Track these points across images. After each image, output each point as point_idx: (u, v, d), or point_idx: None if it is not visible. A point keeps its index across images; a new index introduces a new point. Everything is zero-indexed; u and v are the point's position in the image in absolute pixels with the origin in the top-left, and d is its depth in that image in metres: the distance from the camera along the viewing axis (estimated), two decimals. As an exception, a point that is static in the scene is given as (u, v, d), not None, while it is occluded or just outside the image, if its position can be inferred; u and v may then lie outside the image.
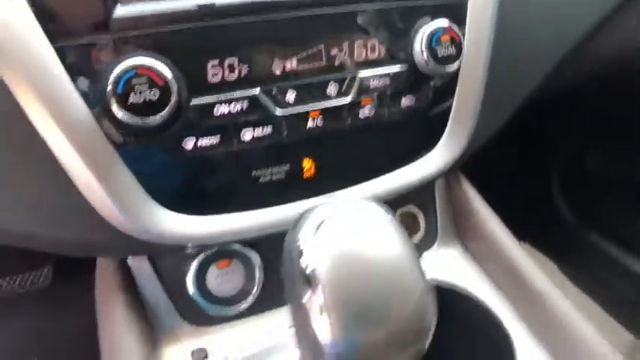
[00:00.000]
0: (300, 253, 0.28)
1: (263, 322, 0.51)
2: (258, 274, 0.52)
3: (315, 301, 0.26)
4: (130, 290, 0.49)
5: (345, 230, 0.28)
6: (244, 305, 0.51)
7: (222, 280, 0.51)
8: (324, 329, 0.26)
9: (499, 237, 0.58)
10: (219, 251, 0.50)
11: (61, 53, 0.36)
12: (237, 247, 0.51)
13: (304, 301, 0.27)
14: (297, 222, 0.29)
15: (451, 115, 0.51)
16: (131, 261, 0.50)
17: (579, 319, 0.51)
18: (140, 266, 0.50)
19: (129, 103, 0.36)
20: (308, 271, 0.27)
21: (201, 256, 0.50)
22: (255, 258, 0.52)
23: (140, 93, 0.36)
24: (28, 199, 0.40)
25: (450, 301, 0.55)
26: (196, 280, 0.50)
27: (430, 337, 0.29)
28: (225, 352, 0.48)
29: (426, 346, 0.29)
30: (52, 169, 0.38)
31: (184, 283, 0.50)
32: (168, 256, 0.50)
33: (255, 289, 0.52)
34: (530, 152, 1.19)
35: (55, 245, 0.45)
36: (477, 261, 0.61)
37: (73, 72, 0.36)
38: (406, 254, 0.28)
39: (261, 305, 0.52)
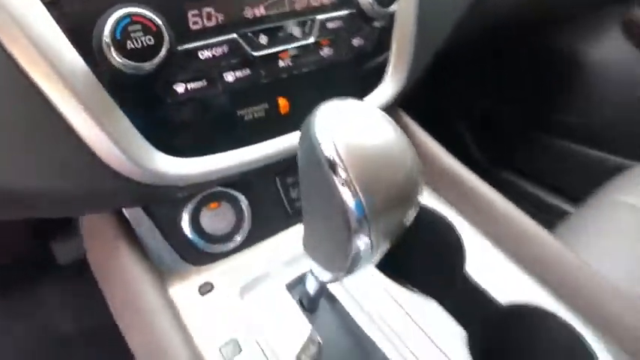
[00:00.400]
0: (319, 143, 0.33)
1: (258, 252, 0.57)
2: (246, 212, 0.57)
3: (340, 177, 0.32)
4: (131, 240, 0.51)
5: (352, 121, 0.34)
6: (238, 240, 0.56)
7: (214, 220, 0.55)
8: (349, 196, 0.32)
9: (445, 160, 0.69)
10: (208, 195, 0.55)
11: (54, 5, 0.38)
12: (223, 189, 0.56)
13: (331, 179, 0.33)
14: (310, 121, 0.35)
15: (392, 51, 0.60)
16: (128, 213, 0.52)
17: (517, 212, 0.63)
18: (137, 217, 0.52)
19: (128, 49, 0.39)
20: (330, 157, 0.32)
21: (193, 201, 0.54)
22: (242, 198, 0.57)
23: (136, 39, 0.39)
24: (30, 153, 0.41)
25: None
26: (192, 222, 0.54)
27: (418, 201, 0.37)
28: (229, 282, 0.53)
29: (417, 206, 0.37)
30: (51, 120, 0.40)
31: (180, 227, 0.54)
32: (162, 206, 0.53)
33: (245, 224, 0.57)
34: (444, 103, 1.35)
35: (57, 202, 0.46)
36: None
37: (67, 22, 0.39)
38: (400, 137, 0.35)
39: (253, 239, 0.57)
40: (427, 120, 0.76)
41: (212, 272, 0.54)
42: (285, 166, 0.59)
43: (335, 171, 0.31)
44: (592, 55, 1.25)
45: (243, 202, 0.57)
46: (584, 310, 0.55)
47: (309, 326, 0.50)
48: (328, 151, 0.32)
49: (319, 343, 0.49)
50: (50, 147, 0.42)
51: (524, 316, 0.55)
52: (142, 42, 0.40)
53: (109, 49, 0.39)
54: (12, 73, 0.38)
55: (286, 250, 0.57)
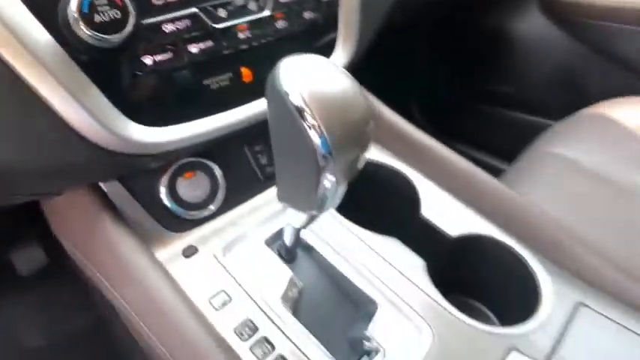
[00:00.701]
0: (287, 94, 0.38)
1: (234, 215, 0.61)
2: (220, 180, 0.61)
3: (307, 121, 0.37)
4: (113, 213, 0.54)
5: (313, 73, 0.39)
6: (215, 205, 0.60)
7: (190, 188, 0.59)
8: (316, 136, 0.37)
9: (395, 120, 0.76)
10: (182, 165, 0.58)
11: None
12: (197, 159, 0.59)
13: (300, 124, 0.37)
14: (275, 75, 0.40)
15: (340, 24, 0.65)
16: (105, 187, 0.55)
17: (464, 161, 0.71)
18: (115, 190, 0.55)
19: (96, 22, 0.42)
20: (297, 104, 0.37)
21: (169, 171, 0.57)
22: (215, 167, 0.60)
23: (104, 13, 0.42)
24: (9, 129, 0.43)
25: (376, 171, 0.72)
26: (169, 192, 0.57)
27: (369, 142, 0.42)
28: (211, 244, 0.57)
29: (368, 147, 0.42)
30: (26, 97, 0.42)
31: (159, 197, 0.57)
32: (139, 178, 0.56)
33: (220, 191, 0.60)
34: (390, 78, 1.43)
35: (37, 177, 0.48)
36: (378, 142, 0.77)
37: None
38: (354, 85, 0.41)
39: (229, 204, 0.61)
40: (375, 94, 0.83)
41: (193, 237, 0.57)
42: (252, 135, 0.64)
43: (303, 116, 0.36)
44: (517, 31, 1.38)
45: (217, 171, 0.61)
46: (528, 239, 0.64)
47: (290, 272, 0.54)
48: (296, 99, 0.36)
49: (299, 285, 0.54)
50: (28, 122, 0.44)
51: (472, 244, 0.63)
52: (109, 15, 0.43)
53: (77, 23, 0.42)
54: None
55: (261, 212, 0.62)
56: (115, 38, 0.44)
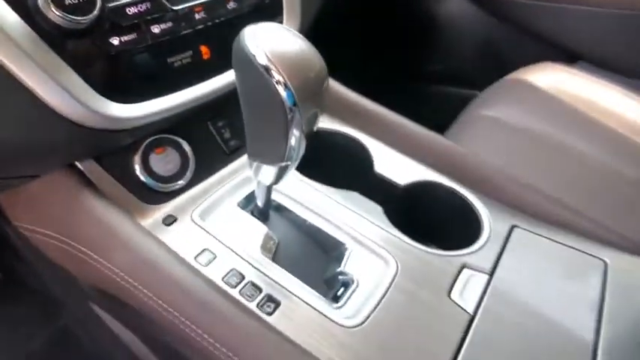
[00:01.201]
0: (254, 55, 0.43)
1: (206, 185, 0.65)
2: (189, 154, 0.65)
3: (274, 78, 0.43)
4: (94, 189, 0.57)
5: (274, 35, 0.45)
6: (187, 177, 0.64)
7: (162, 162, 0.63)
8: (282, 90, 0.43)
9: (340, 89, 0.84)
10: (153, 141, 0.62)
11: None
12: (166, 135, 0.63)
13: (268, 81, 0.43)
14: (241, 39, 0.45)
15: (284, 2, 0.72)
16: (82, 166, 0.57)
17: (411, 123, 0.80)
18: (92, 169, 0.58)
19: (65, 4, 0.46)
20: (263, 64, 0.43)
21: (141, 148, 0.61)
22: (183, 142, 0.65)
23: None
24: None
25: (333, 139, 0.79)
26: (143, 167, 0.61)
27: (325, 98, 0.49)
28: (189, 212, 0.61)
29: (324, 105, 0.49)
30: (4, 79, 0.45)
31: (135, 173, 0.60)
32: (114, 157, 0.59)
33: (190, 164, 0.65)
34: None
35: (19, 156, 0.50)
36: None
37: None
38: (310, 46, 0.47)
39: (200, 176, 0.66)
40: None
41: (170, 207, 0.61)
42: (214, 111, 0.69)
43: (270, 73, 0.42)
44: (441, 11, 1.52)
45: (186, 146, 0.65)
46: (467, 181, 0.73)
47: (265, 228, 0.60)
48: (262, 59, 0.42)
49: (275, 239, 0.60)
50: (7, 103, 0.47)
51: (420, 189, 0.72)
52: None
53: (48, 6, 0.45)
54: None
55: (231, 181, 0.67)
56: (84, 20, 0.47)
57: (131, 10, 0.53)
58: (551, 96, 1.06)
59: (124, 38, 0.53)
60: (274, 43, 0.44)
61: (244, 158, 0.71)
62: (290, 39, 0.46)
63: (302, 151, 0.49)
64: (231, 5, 0.64)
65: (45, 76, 0.47)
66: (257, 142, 0.52)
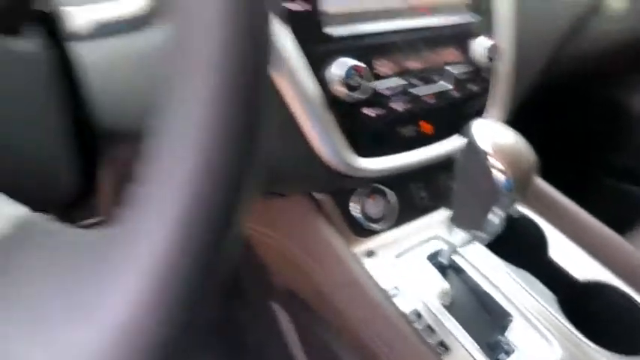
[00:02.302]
0: (484, 151, 0.56)
1: (404, 231, 0.80)
2: (394, 204, 0.80)
3: (496, 168, 0.54)
4: (322, 215, 0.75)
5: (495, 130, 0.57)
6: (390, 221, 0.79)
7: (372, 206, 0.78)
8: (502, 178, 0.54)
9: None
10: (369, 190, 0.78)
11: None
12: (379, 186, 0.79)
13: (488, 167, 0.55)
14: (471, 135, 0.58)
15: (490, 92, 0.84)
16: (318, 196, 0.76)
17: (590, 217, 0.84)
18: (325, 200, 0.76)
19: (348, 85, 0.64)
20: (488, 154, 0.55)
21: (359, 192, 0.78)
22: (390, 192, 0.80)
23: (353, 78, 0.64)
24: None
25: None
26: (360, 207, 0.77)
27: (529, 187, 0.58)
28: (386, 251, 0.75)
29: (527, 193, 0.58)
30: (292, 127, 0.65)
31: (350, 210, 0.77)
32: (340, 194, 0.77)
33: (394, 211, 0.80)
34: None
35: (286, 181, 0.71)
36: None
37: (315, 67, 0.64)
38: (525, 142, 0.58)
39: (399, 222, 0.80)
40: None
41: (373, 243, 0.77)
42: (416, 175, 0.83)
43: (492, 163, 0.54)
44: (634, 107, 1.47)
45: (392, 197, 0.80)
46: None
47: (446, 283, 0.71)
48: (488, 149, 0.54)
49: (450, 294, 0.70)
50: (286, 144, 0.66)
51: (599, 289, 0.75)
52: (357, 81, 0.65)
53: (340, 84, 0.64)
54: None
55: (424, 232, 0.80)
56: (357, 95, 0.65)
57: (385, 92, 0.70)
58: None
59: (377, 112, 0.70)
60: (499, 139, 0.56)
61: (435, 216, 0.84)
62: (509, 135, 0.57)
63: (499, 229, 0.60)
64: (454, 94, 0.78)
65: (322, 132, 0.66)
66: (462, 212, 0.63)
